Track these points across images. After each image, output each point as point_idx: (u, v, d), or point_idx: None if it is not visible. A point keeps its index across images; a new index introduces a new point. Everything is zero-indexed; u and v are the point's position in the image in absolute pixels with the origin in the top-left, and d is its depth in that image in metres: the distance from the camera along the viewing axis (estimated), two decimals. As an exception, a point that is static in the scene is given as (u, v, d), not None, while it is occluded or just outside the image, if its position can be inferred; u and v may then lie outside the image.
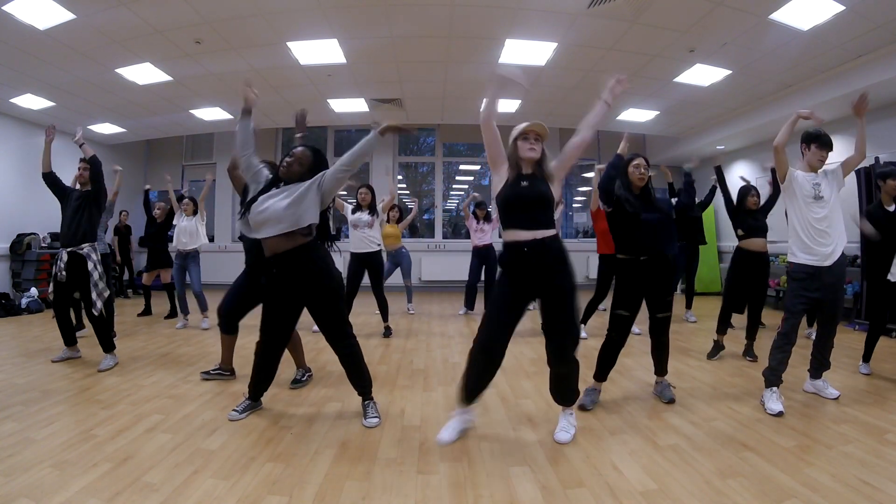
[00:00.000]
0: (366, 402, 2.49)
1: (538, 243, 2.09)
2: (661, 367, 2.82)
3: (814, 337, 2.92)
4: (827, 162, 2.74)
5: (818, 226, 2.62)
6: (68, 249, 3.35)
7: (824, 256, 2.62)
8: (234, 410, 2.50)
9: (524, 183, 2.14)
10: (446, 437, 2.19)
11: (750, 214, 3.84)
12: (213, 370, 3.12)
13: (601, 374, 2.72)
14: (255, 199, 2.34)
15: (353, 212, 4.79)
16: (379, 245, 4.68)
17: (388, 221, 5.69)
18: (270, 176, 2.49)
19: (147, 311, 5.88)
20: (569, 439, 2.18)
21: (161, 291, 5.83)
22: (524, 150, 2.15)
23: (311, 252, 2.33)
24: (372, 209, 4.74)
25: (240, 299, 2.97)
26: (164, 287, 5.66)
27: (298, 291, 2.36)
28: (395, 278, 5.92)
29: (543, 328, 2.18)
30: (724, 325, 3.85)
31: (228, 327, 3.02)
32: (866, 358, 3.33)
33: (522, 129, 2.17)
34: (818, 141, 2.69)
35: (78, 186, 3.61)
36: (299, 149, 2.42)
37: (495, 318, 2.15)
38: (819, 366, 2.84)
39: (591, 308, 4.55)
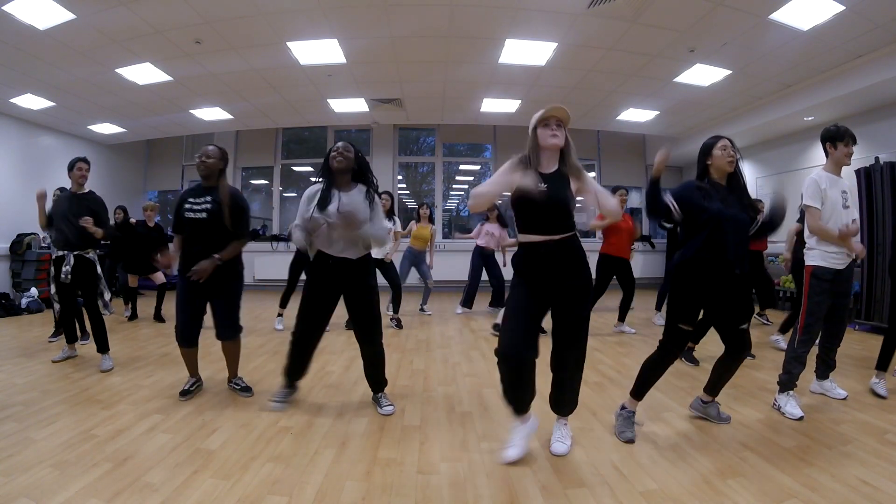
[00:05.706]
0: (377, 395, 2.64)
1: (553, 243, 1.95)
2: (716, 389, 2.42)
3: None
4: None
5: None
6: (75, 253, 3.39)
7: (843, 261, 2.60)
8: (274, 401, 2.60)
9: (542, 185, 1.90)
10: (512, 454, 2.00)
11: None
12: (189, 386, 2.84)
13: (642, 391, 2.32)
14: (325, 204, 2.43)
15: None
16: (388, 252, 4.77)
17: (418, 222, 5.72)
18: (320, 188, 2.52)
19: (133, 316, 5.44)
20: (566, 450, 2.06)
21: (152, 290, 5.62)
22: (545, 138, 1.95)
23: (364, 257, 2.54)
24: (390, 216, 4.76)
25: (192, 311, 2.77)
26: (156, 288, 5.44)
27: (344, 288, 2.53)
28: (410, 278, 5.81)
29: (554, 330, 2.03)
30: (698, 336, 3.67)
31: (191, 342, 2.82)
32: (883, 366, 2.88)
33: (542, 116, 1.97)
34: (844, 138, 2.60)
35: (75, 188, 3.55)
36: (340, 144, 2.51)
37: (513, 325, 1.98)
38: (826, 366, 2.83)
39: (624, 306, 4.74)
